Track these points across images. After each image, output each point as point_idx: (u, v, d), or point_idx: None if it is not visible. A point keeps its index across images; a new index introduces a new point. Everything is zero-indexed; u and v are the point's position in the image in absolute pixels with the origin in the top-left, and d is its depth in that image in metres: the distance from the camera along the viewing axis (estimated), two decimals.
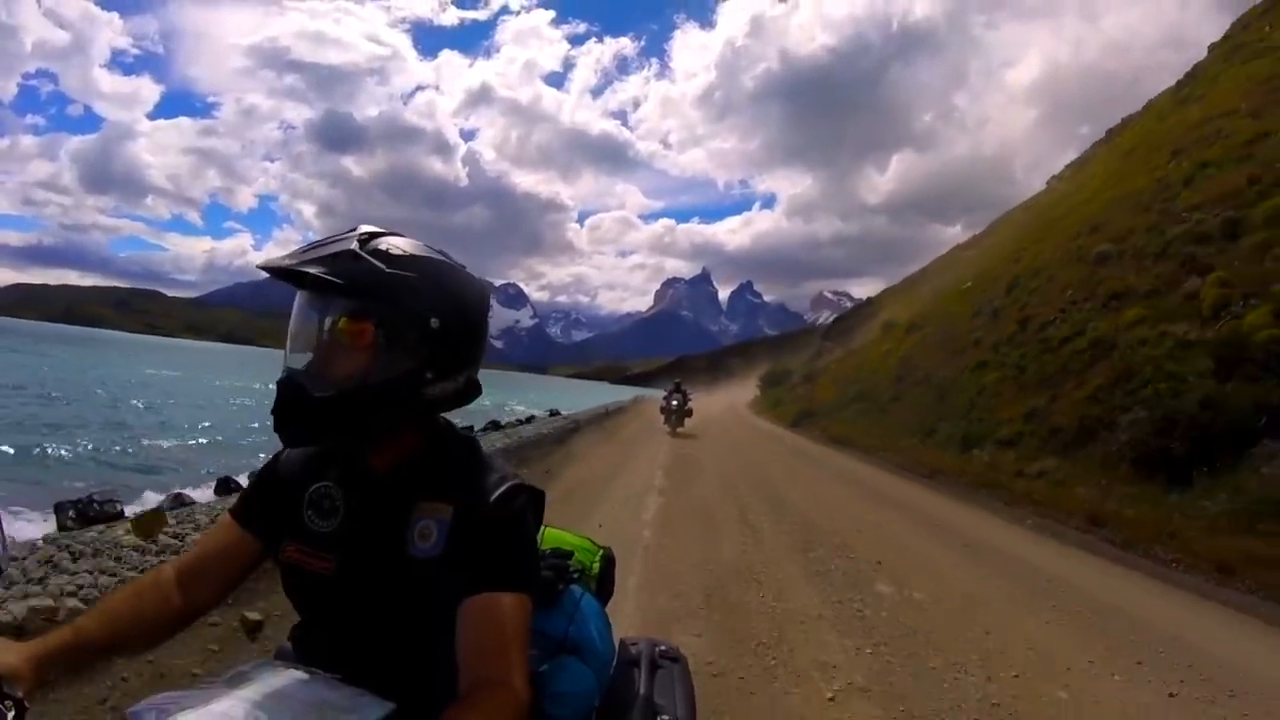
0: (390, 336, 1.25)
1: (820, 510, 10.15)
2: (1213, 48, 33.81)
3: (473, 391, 1.38)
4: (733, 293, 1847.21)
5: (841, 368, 40.70)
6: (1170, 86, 35.27)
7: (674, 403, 22.08)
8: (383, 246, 1.26)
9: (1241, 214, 14.51)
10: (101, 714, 2.95)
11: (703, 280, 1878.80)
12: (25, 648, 1.13)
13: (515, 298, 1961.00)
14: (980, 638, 5.06)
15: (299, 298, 1.29)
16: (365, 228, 1.30)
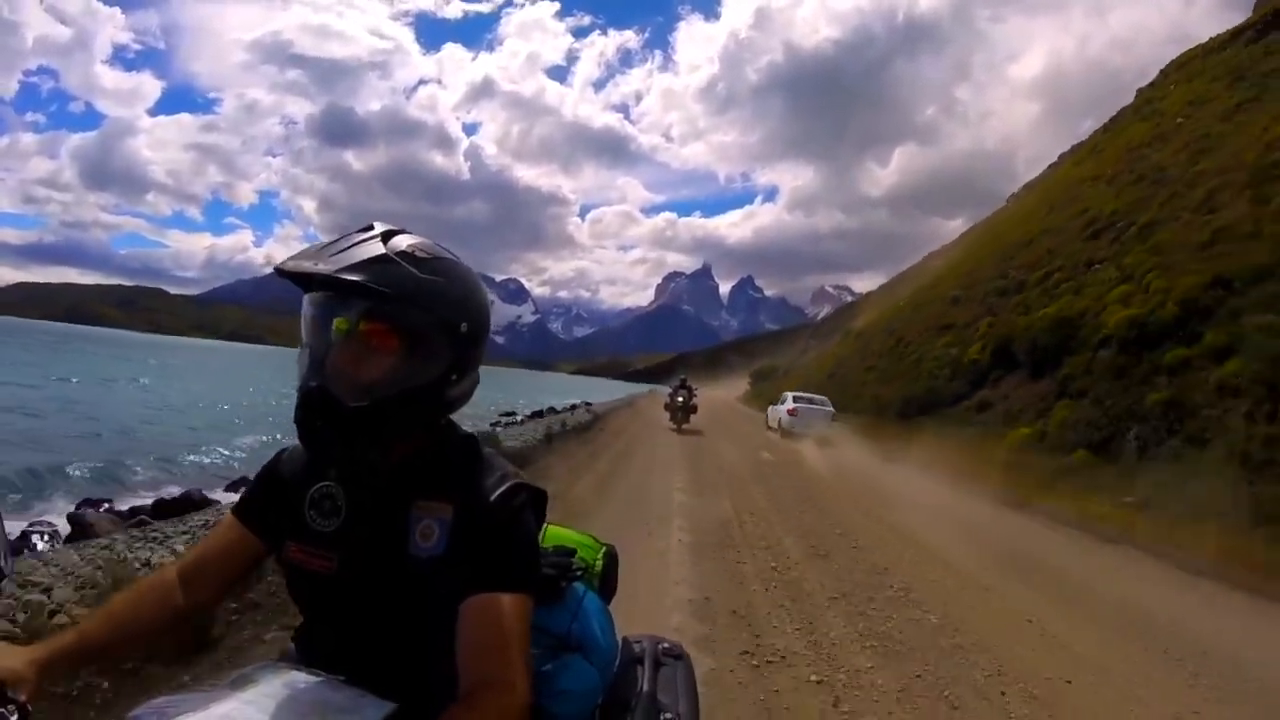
0: (422, 342, 1.25)
1: (740, 426, 28.62)
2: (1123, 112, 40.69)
3: (475, 385, 1.38)
4: (734, 287, 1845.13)
5: (811, 364, 57.02)
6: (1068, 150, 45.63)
7: (679, 399, 21.94)
8: (407, 248, 1.25)
9: (1026, 276, 23.18)
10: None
11: (704, 275, 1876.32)
12: (28, 652, 1.14)
13: (516, 293, 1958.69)
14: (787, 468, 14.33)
15: (314, 300, 1.27)
16: (380, 226, 1.28)
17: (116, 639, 1.26)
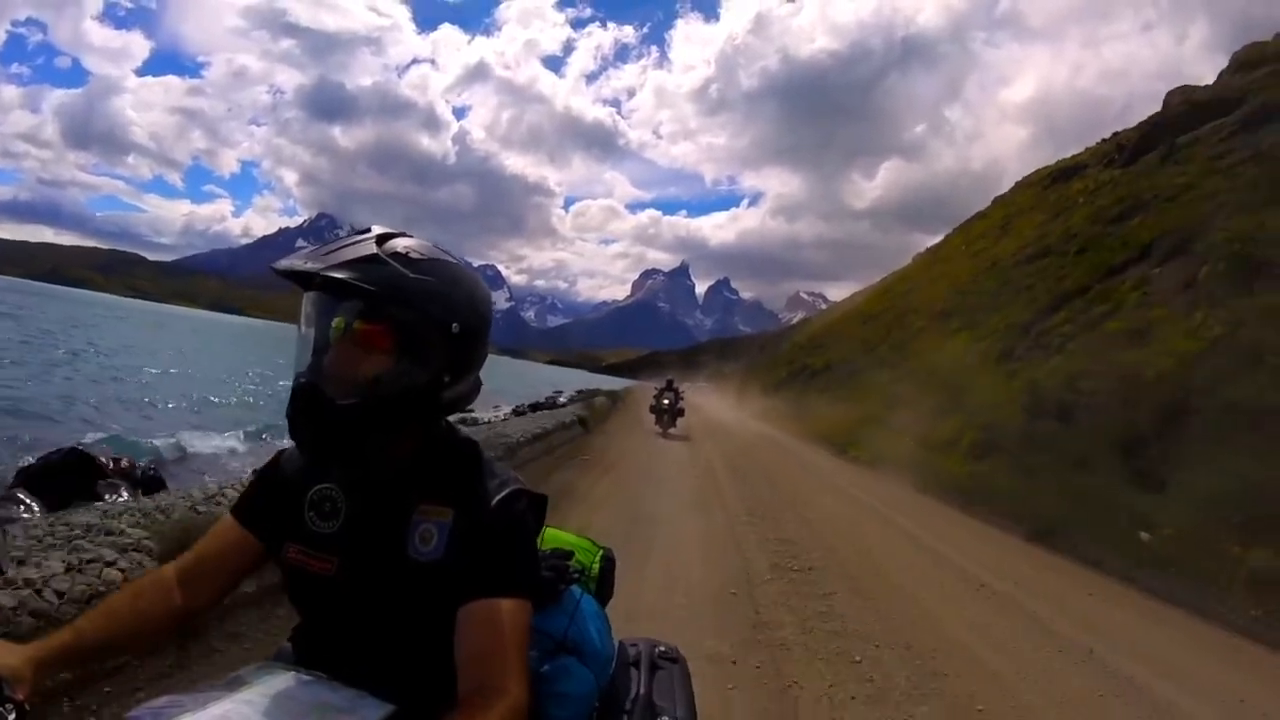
0: (413, 342, 1.25)
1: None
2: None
3: (477, 389, 1.39)
4: (710, 287, 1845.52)
5: (754, 369, 66.49)
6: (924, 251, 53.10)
7: (665, 401, 20.82)
8: (401, 249, 1.25)
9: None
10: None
11: (681, 273, 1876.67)
12: (25, 650, 1.13)
13: (493, 280, 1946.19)
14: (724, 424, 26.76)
15: (310, 299, 1.28)
16: (378, 229, 1.30)
17: (114, 638, 1.25)
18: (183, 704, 1.05)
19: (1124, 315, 15.78)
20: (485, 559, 1.24)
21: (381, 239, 1.26)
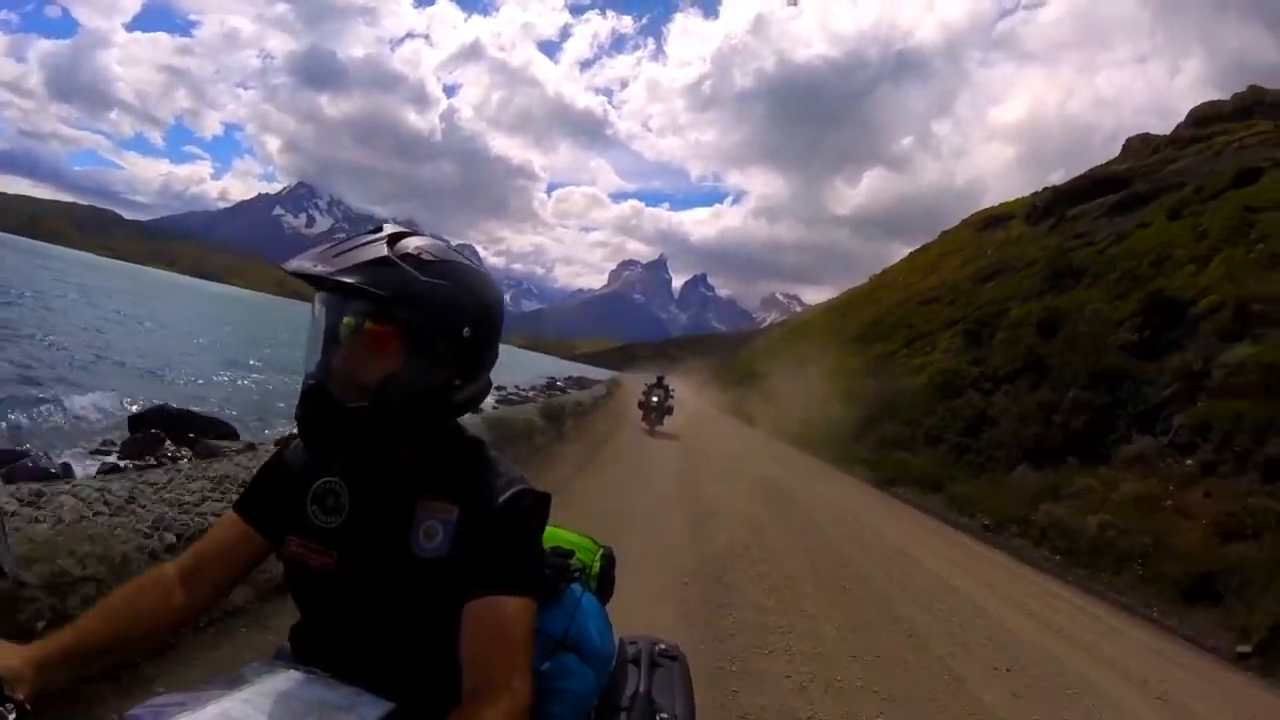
0: (424, 345, 1.24)
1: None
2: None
3: (487, 390, 1.39)
4: (687, 282, 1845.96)
5: (718, 371, 72.87)
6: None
7: (654, 399, 20.54)
8: (413, 250, 1.24)
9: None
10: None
11: (659, 266, 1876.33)
12: (26, 650, 1.12)
13: (471, 258, 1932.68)
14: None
15: (321, 300, 1.27)
16: (390, 228, 1.29)
17: (115, 638, 1.24)
18: (182, 702, 1.04)
19: (932, 357, 24.84)
20: (491, 557, 1.23)
21: (393, 239, 1.25)
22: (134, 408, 12.26)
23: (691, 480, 11.92)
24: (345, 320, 1.25)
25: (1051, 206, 38.75)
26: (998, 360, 17.84)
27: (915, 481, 15.04)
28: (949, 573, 8.11)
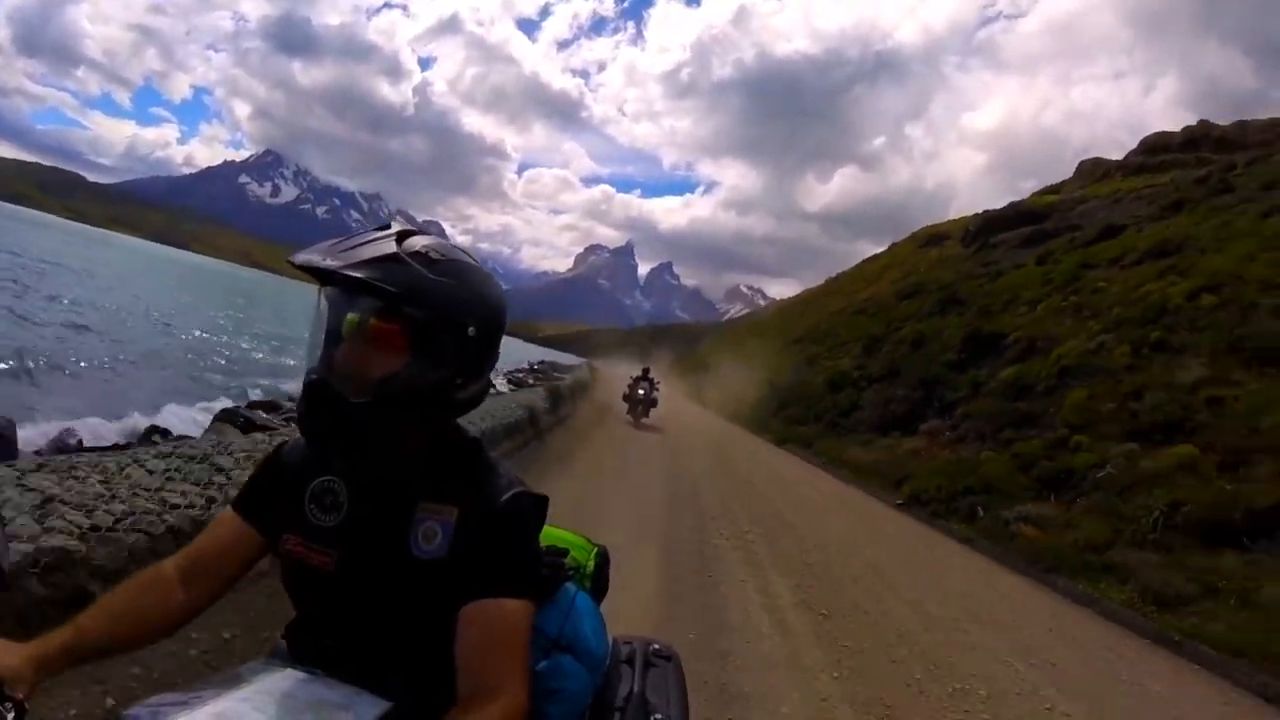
0: (429, 343, 1.26)
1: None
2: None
3: (487, 390, 1.41)
4: (653, 270, 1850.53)
5: (677, 361, 76.83)
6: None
7: (640, 391, 20.59)
8: (421, 249, 1.26)
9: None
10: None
11: (626, 252, 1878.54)
12: (25, 648, 1.12)
13: (436, 235, 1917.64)
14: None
15: (327, 295, 1.28)
16: (397, 225, 1.31)
17: (115, 636, 1.24)
18: (180, 701, 1.05)
19: (840, 361, 30.48)
20: (489, 558, 1.25)
21: (401, 237, 1.27)
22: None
23: (666, 434, 19.38)
24: (350, 316, 1.26)
25: (980, 232, 42.32)
26: (875, 366, 24.61)
27: (798, 442, 22.47)
28: (791, 474, 16.36)
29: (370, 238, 1.27)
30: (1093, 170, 51.15)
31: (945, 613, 6.68)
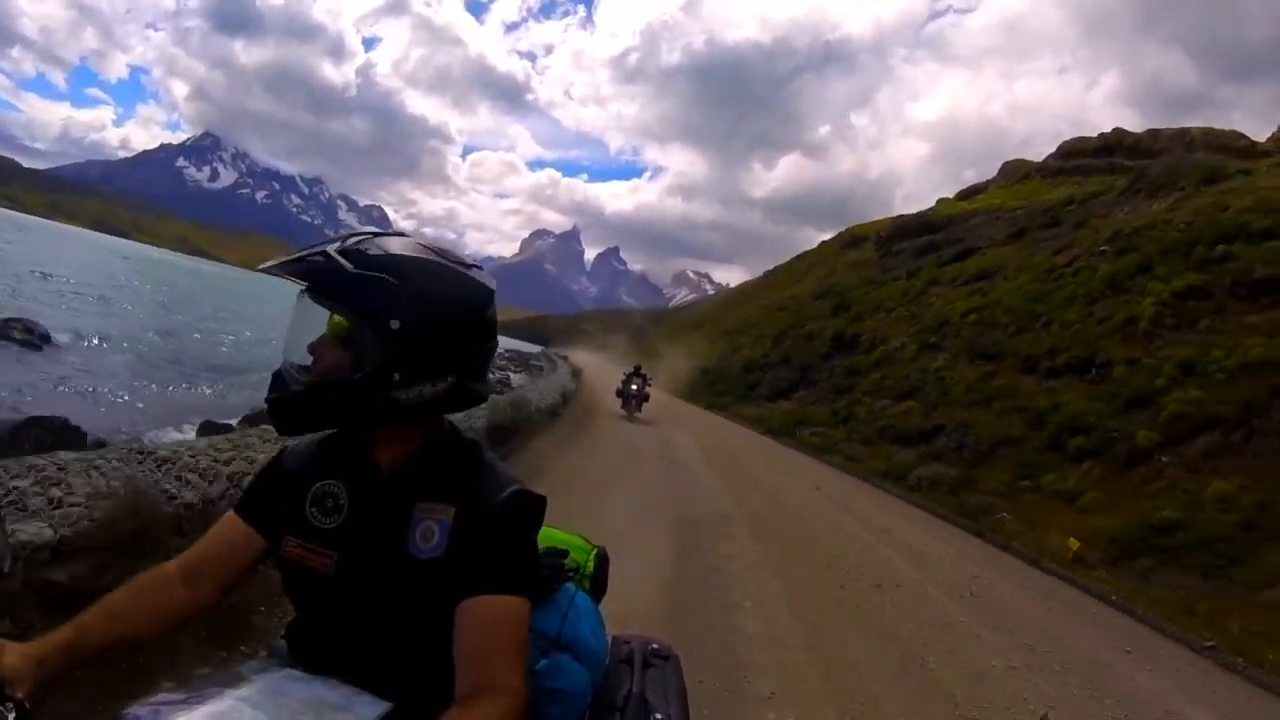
0: (350, 337, 1.29)
1: None
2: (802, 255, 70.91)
3: (469, 398, 1.39)
4: (599, 255, 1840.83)
5: (632, 348, 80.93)
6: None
7: (633, 387, 21.31)
8: (361, 247, 1.28)
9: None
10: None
11: (572, 238, 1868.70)
12: (26, 648, 1.14)
13: (379, 221, 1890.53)
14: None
15: (297, 294, 1.34)
16: (368, 229, 1.34)
17: (116, 636, 1.27)
18: (181, 700, 1.07)
19: (756, 349, 38.79)
20: (486, 557, 1.27)
21: (355, 238, 1.32)
22: None
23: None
24: (302, 310, 1.34)
25: (889, 238, 45.14)
26: (775, 355, 34.43)
27: (720, 407, 31.52)
28: (712, 421, 26.65)
29: (329, 239, 1.31)
30: (1015, 171, 53.13)
31: (763, 460, 17.42)
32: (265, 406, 1.38)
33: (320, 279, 1.27)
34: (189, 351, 25.39)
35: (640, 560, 6.22)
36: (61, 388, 14.79)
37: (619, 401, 21.37)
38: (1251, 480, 10.86)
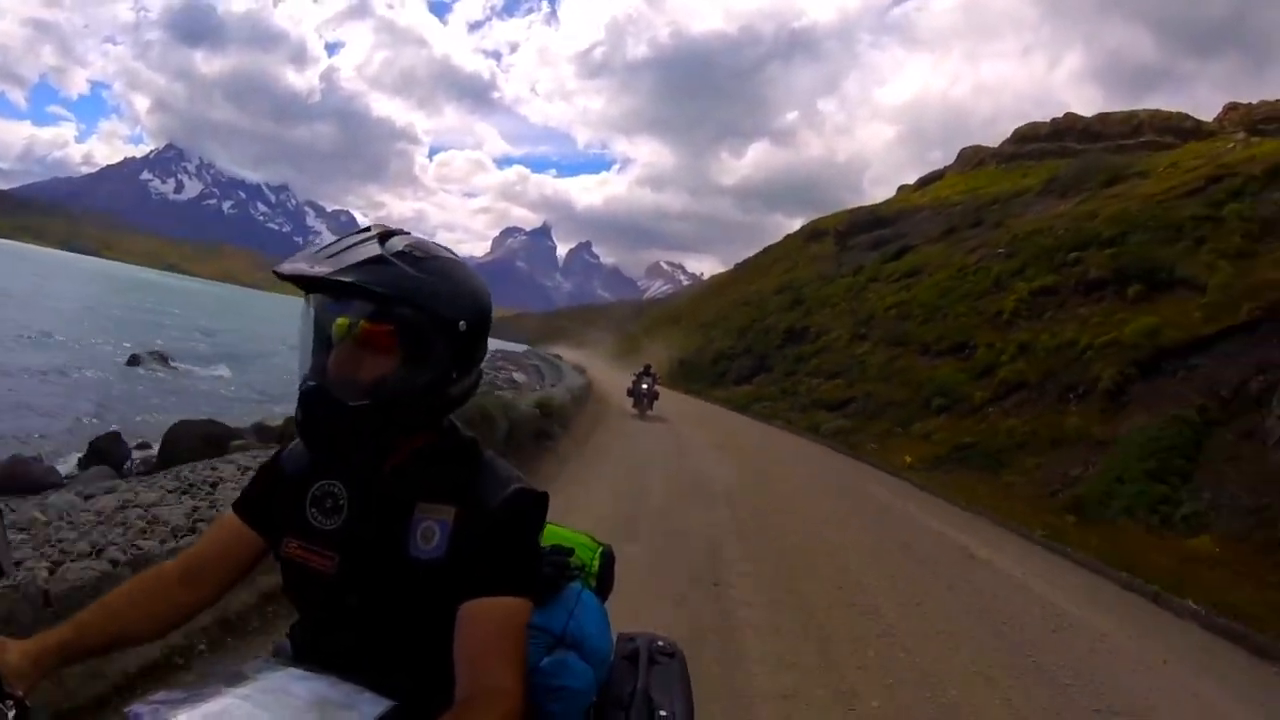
0: (420, 341, 1.27)
1: None
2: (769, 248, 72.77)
3: (478, 383, 1.43)
4: (571, 250, 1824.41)
5: (615, 344, 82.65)
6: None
7: (644, 386, 22.07)
8: (404, 248, 1.26)
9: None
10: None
11: (543, 234, 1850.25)
12: (26, 645, 1.14)
13: (347, 225, 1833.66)
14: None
15: (314, 302, 1.31)
16: (378, 227, 1.31)
17: (115, 635, 1.28)
18: (182, 699, 1.06)
19: (725, 341, 44.24)
20: (487, 557, 1.26)
21: (384, 237, 1.28)
22: None
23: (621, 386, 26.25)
24: (339, 321, 1.28)
25: (846, 232, 48.09)
26: (740, 346, 40.21)
27: (696, 392, 35.68)
28: (691, 406, 30.24)
29: (352, 241, 1.27)
30: (971, 157, 54.61)
31: (726, 423, 24.78)
32: (303, 435, 1.36)
33: (395, 287, 1.23)
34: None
35: (659, 468, 12.97)
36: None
37: (629, 400, 22.52)
38: (1033, 419, 16.62)
